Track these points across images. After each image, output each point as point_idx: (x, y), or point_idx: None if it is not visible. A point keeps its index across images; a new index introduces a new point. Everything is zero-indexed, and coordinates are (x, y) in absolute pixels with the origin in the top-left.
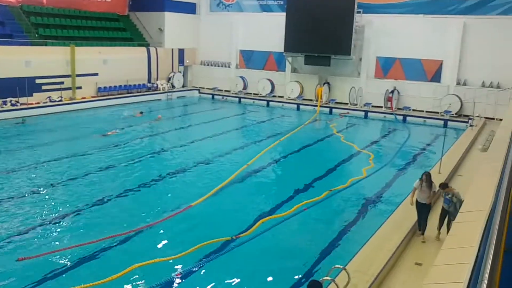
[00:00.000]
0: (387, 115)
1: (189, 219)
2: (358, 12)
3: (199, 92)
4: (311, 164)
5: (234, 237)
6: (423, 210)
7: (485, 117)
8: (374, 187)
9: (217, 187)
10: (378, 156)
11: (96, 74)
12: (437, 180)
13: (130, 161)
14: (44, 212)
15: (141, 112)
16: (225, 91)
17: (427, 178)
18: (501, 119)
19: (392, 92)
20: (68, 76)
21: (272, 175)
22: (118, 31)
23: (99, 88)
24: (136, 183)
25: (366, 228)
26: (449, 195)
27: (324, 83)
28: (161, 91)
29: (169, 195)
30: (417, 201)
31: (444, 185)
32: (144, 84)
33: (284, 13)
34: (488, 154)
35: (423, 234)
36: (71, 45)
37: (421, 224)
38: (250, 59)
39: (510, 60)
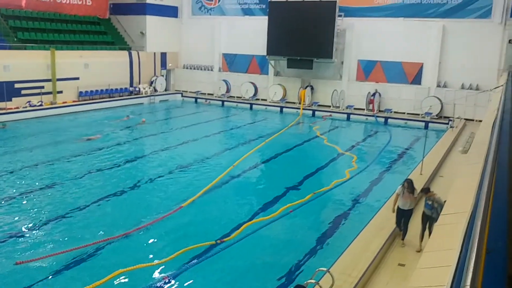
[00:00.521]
0: (369, 118)
1: (173, 223)
2: (340, 15)
3: (182, 96)
4: (295, 167)
5: (218, 241)
6: (405, 215)
7: (465, 119)
8: (357, 189)
9: (201, 191)
10: (361, 158)
11: (77, 78)
12: (418, 181)
13: (113, 166)
14: (26, 218)
15: (128, 116)
16: (208, 94)
17: (409, 185)
18: (480, 121)
19: (374, 94)
20: (49, 80)
21: (256, 178)
22: (99, 34)
23: (81, 92)
24: (119, 187)
25: (349, 230)
26: (431, 201)
27: (306, 86)
28: (144, 95)
29: (153, 199)
30: (398, 207)
31: (426, 190)
32: (126, 88)
33: (266, 17)
34: (468, 155)
35: (403, 239)
36: (51, 48)
37: (400, 230)
38: (233, 62)
39: (488, 62)
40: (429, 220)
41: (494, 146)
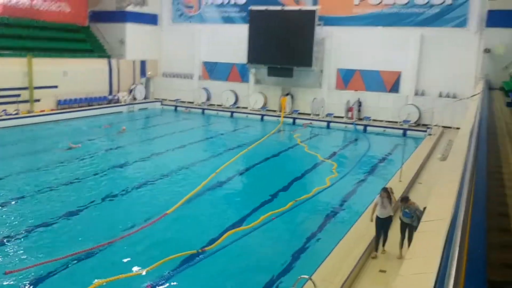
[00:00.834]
0: (348, 125)
1: (154, 233)
2: (319, 24)
3: (162, 104)
4: (276, 174)
5: (200, 251)
6: (385, 224)
7: (442, 126)
8: (338, 196)
9: (182, 200)
10: (341, 166)
11: (56, 87)
12: (397, 188)
13: (94, 175)
14: (4, 229)
15: (124, 128)
16: (188, 102)
17: (386, 194)
18: (458, 128)
19: (357, 103)
20: (25, 88)
21: (238, 187)
22: (78, 42)
23: (59, 100)
24: (100, 197)
25: (331, 237)
26: (409, 209)
27: (287, 94)
28: (123, 103)
29: (134, 209)
30: (377, 217)
31: (405, 199)
32: (105, 97)
33: (247, 25)
34: (447, 162)
35: (383, 245)
36: (28, 56)
37: (379, 240)
38: (213, 70)
39: (466, 70)
40: (408, 228)
41: (472, 153)
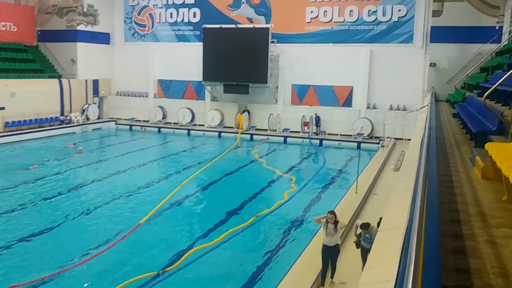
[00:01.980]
0: (305, 140)
1: (113, 256)
2: (273, 42)
3: (116, 123)
4: (236, 191)
5: (160, 272)
6: (333, 253)
7: (394, 138)
8: (297, 210)
9: (141, 221)
10: (299, 179)
11: (3, 108)
12: (354, 200)
13: (47, 198)
14: None
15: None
16: (144, 121)
17: (334, 218)
18: (409, 139)
19: (315, 118)
20: None
21: (198, 204)
22: (26, 62)
23: (7, 123)
24: (53, 221)
25: (292, 251)
26: (370, 234)
27: (244, 111)
28: (75, 123)
29: (92, 232)
30: (323, 245)
31: (366, 225)
32: (57, 117)
33: (201, 43)
34: (400, 173)
35: (332, 277)
36: None
37: (326, 272)
38: (168, 88)
39: (413, 84)
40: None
41: (424, 162)
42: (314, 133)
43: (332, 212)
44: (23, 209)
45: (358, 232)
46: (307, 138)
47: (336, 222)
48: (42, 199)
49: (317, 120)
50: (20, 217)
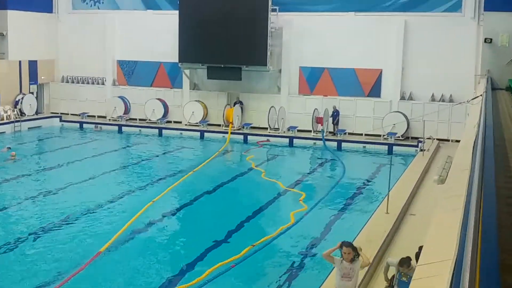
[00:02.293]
0: (317, 142)
1: None
2: (274, 10)
3: (61, 120)
4: (225, 211)
5: None
6: None
7: (438, 139)
8: (307, 237)
9: (98, 252)
10: (310, 196)
11: None
12: (385, 222)
13: None
14: None
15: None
16: (99, 117)
17: (352, 252)
18: (458, 141)
19: (333, 112)
20: None
21: (173, 230)
22: None
23: None
24: None
25: None
26: (409, 276)
27: (235, 103)
28: (5, 120)
29: (31, 267)
30: None
31: (407, 262)
32: None
33: (177, 12)
34: (446, 186)
35: None
36: None
37: None
38: (132, 72)
39: (463, 67)
40: None
41: (478, 171)
42: (331, 132)
43: (348, 244)
44: None
45: (390, 275)
46: (321, 139)
47: (354, 259)
48: None
49: (335, 115)
50: None
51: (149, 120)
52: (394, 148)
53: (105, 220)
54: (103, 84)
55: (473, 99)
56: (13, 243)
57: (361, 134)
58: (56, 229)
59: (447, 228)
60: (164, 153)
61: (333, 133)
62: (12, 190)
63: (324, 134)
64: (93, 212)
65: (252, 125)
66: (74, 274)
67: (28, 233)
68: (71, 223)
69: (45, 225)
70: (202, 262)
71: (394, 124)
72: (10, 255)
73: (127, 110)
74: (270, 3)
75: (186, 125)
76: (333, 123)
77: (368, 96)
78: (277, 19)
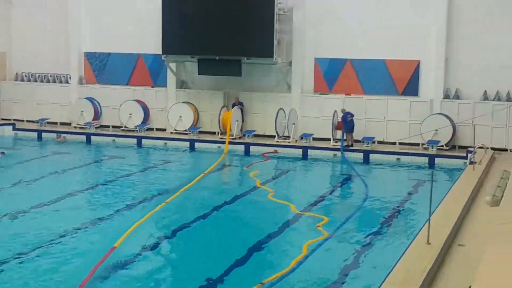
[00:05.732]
0: (338, 153)
1: None
2: None
3: (15, 129)
4: (223, 242)
5: None
6: None
7: (492, 148)
8: (326, 272)
9: None
10: (329, 221)
11: None
12: (426, 255)
13: None
14: None
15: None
16: (62, 124)
17: None
18: None
19: (344, 117)
20: None
21: (156, 266)
22: None
23: None
24: None
25: None
26: None
27: (234, 105)
28: None
29: None
30: None
31: None
32: None
33: None
34: (501, 208)
35: None
36: None
37: None
38: (104, 67)
39: None
40: None
41: None
42: (346, 146)
43: None
44: None
45: None
46: (339, 149)
47: None
48: None
49: (347, 120)
50: None
51: (125, 127)
52: (437, 160)
53: (71, 255)
54: (66, 82)
55: None
56: None
57: (394, 143)
58: (20, 261)
59: (502, 262)
60: (145, 169)
61: (348, 146)
62: None
63: (343, 144)
64: (56, 245)
65: (255, 133)
66: None
67: None
68: (36, 257)
69: (7, 256)
70: None
71: (437, 130)
72: None
73: (97, 116)
74: None
75: (171, 133)
76: (344, 131)
77: (402, 94)
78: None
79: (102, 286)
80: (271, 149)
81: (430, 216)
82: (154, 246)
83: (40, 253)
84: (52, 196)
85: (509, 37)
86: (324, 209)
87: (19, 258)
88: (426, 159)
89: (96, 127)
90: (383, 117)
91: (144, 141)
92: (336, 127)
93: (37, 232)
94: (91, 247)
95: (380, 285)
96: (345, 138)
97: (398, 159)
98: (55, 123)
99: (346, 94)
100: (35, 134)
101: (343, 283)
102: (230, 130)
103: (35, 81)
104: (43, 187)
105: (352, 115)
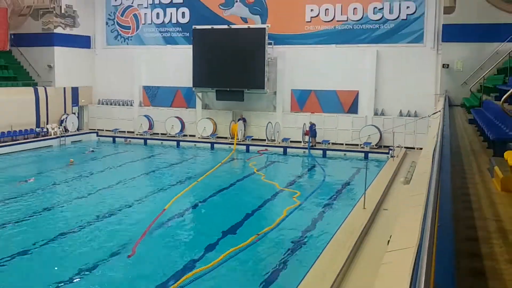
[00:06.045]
0: (306, 151)
1: (101, 279)
2: (270, 43)
3: (98, 135)
4: (232, 207)
5: None
6: None
7: (405, 147)
8: (299, 227)
9: (136, 243)
10: (302, 194)
11: None
12: (362, 216)
13: (18, 221)
14: None
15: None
16: (128, 132)
17: None
18: (421, 148)
19: (310, 127)
20: None
21: (191, 223)
22: None
23: None
24: (31, 243)
25: (294, 273)
26: None
27: (239, 119)
28: (53, 136)
29: (73, 255)
30: None
31: None
32: (32, 130)
33: (191, 46)
34: (411, 186)
35: None
36: None
37: None
38: (155, 96)
39: (425, 88)
40: None
41: (436, 174)
42: (313, 146)
43: None
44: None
45: None
46: (306, 148)
47: None
48: (12, 221)
49: (311, 128)
50: None
51: (169, 134)
52: (369, 155)
53: (135, 216)
54: (131, 105)
55: (433, 114)
56: (63, 234)
57: (342, 144)
58: (97, 222)
59: (411, 220)
60: (181, 161)
61: (313, 146)
62: (62, 192)
63: (310, 144)
64: (126, 209)
65: (253, 137)
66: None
67: (76, 226)
68: (108, 219)
69: (90, 219)
70: (216, 248)
71: (369, 135)
72: (62, 243)
73: (151, 126)
74: (266, 38)
75: (199, 138)
76: (310, 136)
77: (347, 112)
78: (272, 51)
79: (156, 233)
80: (263, 148)
81: (365, 190)
82: (189, 210)
83: (114, 214)
84: (122, 177)
85: (415, 76)
86: (297, 186)
87: (104, 218)
88: (362, 154)
89: (150, 134)
90: (335, 127)
91: (181, 143)
92: (305, 134)
93: (114, 200)
94: (148, 209)
95: (334, 234)
96: (311, 141)
97: (345, 154)
98: (124, 131)
99: (311, 113)
100: (111, 139)
101: (309, 232)
102: (237, 136)
103: (111, 104)
104: (117, 172)
105: (315, 126)
